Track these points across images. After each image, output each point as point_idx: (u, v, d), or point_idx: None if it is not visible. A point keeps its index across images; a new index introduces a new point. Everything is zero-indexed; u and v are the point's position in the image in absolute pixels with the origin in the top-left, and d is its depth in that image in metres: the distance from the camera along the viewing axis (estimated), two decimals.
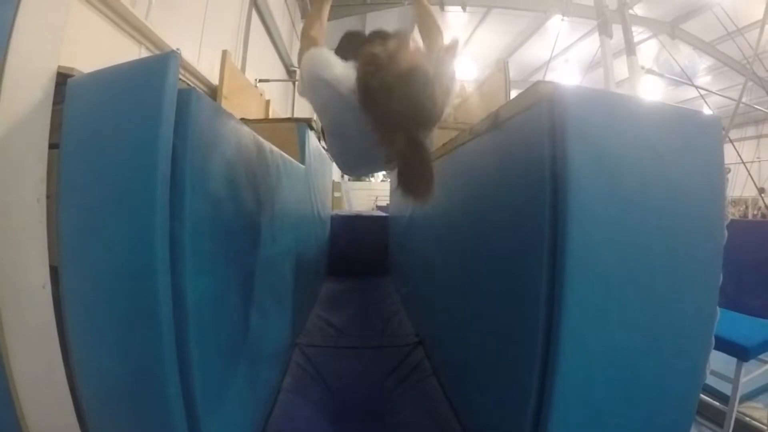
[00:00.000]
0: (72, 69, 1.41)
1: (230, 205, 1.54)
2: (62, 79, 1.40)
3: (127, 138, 1.16)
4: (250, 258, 1.79)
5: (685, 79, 6.53)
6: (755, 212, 13.24)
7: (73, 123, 1.29)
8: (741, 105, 6.47)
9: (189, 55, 3.58)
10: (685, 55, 9.84)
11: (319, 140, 4.13)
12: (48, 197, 1.38)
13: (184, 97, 1.17)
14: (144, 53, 2.74)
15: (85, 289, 1.27)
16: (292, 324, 2.82)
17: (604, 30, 4.77)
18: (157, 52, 2.94)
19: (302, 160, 3.36)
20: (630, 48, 4.70)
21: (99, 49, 2.20)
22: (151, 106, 1.12)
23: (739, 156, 5.68)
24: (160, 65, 1.15)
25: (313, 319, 3.52)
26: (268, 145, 2.10)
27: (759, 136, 14.96)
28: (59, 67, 1.42)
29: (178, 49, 3.06)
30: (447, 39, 1.53)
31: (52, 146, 1.37)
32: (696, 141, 1.35)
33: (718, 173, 1.37)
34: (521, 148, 1.40)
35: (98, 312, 1.25)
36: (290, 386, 2.41)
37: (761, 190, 12.17)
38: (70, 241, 1.28)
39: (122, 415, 1.32)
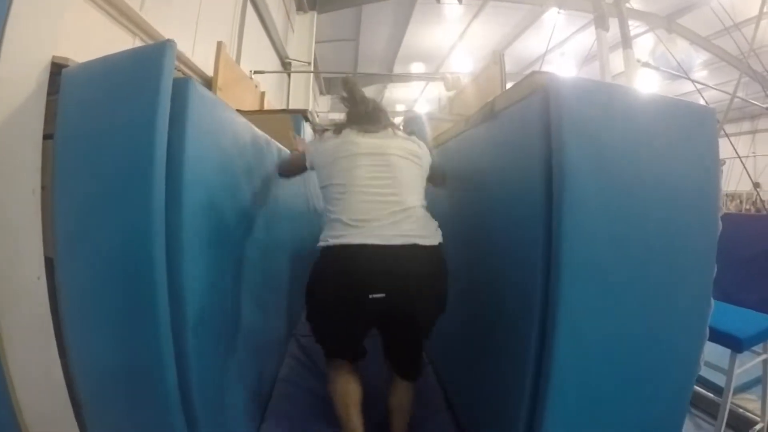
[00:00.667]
0: (67, 59, 1.39)
1: (227, 197, 1.53)
2: (57, 69, 1.39)
3: (123, 128, 1.15)
4: (247, 249, 1.79)
5: (680, 72, 6.51)
6: (748, 207, 13.29)
7: (67, 113, 1.29)
8: (736, 100, 6.47)
9: (183, 46, 3.54)
10: (681, 49, 9.81)
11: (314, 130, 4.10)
12: (43, 188, 1.37)
13: (181, 86, 1.16)
14: (138, 44, 2.71)
15: (81, 281, 1.27)
16: (289, 315, 2.83)
17: (600, 23, 4.74)
18: (152, 43, 2.91)
19: None
20: (626, 41, 4.68)
21: (94, 40, 2.17)
22: (147, 96, 1.11)
23: (735, 150, 5.66)
24: (156, 54, 1.14)
25: None
26: (264, 136, 2.09)
27: (754, 131, 14.99)
28: (54, 57, 1.41)
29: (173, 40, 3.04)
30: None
31: (47, 137, 1.36)
32: (691, 132, 1.35)
33: (713, 165, 1.37)
34: (516, 138, 1.40)
35: (94, 304, 1.25)
36: (287, 376, 2.42)
37: (756, 185, 12.23)
38: (65, 233, 1.27)
39: (118, 406, 1.32)
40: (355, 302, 1.45)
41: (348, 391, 1.64)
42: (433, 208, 1.64)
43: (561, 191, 1.13)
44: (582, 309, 1.17)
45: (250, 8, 5.57)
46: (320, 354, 2.62)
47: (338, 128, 1.67)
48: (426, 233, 1.51)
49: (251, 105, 4.66)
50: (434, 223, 1.60)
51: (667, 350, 1.32)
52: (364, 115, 1.68)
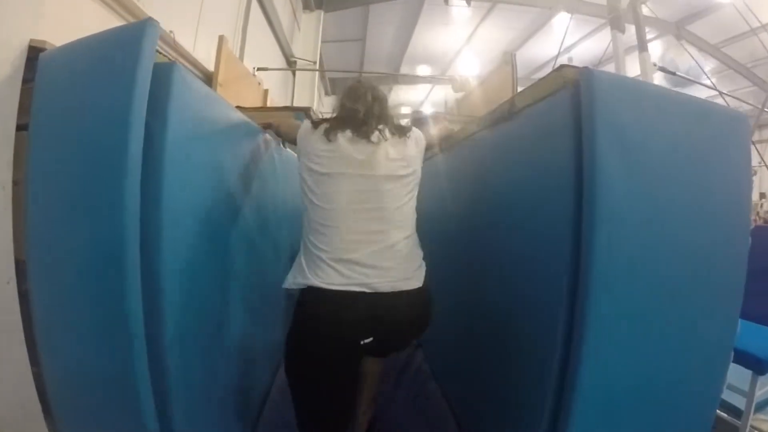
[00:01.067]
0: (44, 42, 1.27)
1: (217, 195, 1.41)
2: (35, 54, 1.26)
3: (97, 118, 1.01)
4: (239, 252, 1.67)
5: (698, 79, 6.37)
6: (755, 218, 13.20)
7: (43, 102, 1.16)
8: (747, 107, 6.35)
9: (185, 41, 3.44)
10: (689, 56, 9.75)
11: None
12: (15, 183, 1.25)
13: (164, 71, 1.03)
14: None
15: (54, 286, 1.15)
16: (285, 322, 2.71)
17: (616, 25, 4.57)
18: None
19: None
20: (642, 44, 4.52)
21: (86, 28, 2.07)
22: (123, 82, 0.98)
23: (763, 159, 5.44)
24: (135, 35, 1.00)
25: None
26: (263, 133, 1.98)
27: (761, 141, 14.90)
28: (31, 40, 1.29)
29: (171, 31, 2.93)
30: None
31: (21, 128, 1.24)
32: (724, 138, 1.25)
33: (744, 174, 1.27)
34: (541, 139, 1.27)
35: (68, 311, 1.13)
36: (282, 387, 2.29)
37: (762, 195, 12.12)
38: (38, 233, 1.15)
39: (91, 416, 1.21)
40: (347, 349, 1.43)
41: None
42: (437, 213, 1.51)
43: (593, 198, 1.01)
44: (609, 322, 1.07)
45: (255, 4, 5.47)
46: None
47: (329, 130, 1.52)
48: (409, 274, 1.48)
49: (253, 102, 4.55)
50: (418, 258, 1.55)
51: (692, 373, 1.22)
52: (362, 118, 1.54)
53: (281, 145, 2.38)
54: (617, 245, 1.04)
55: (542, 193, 1.24)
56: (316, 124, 1.57)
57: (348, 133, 1.50)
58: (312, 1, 8.56)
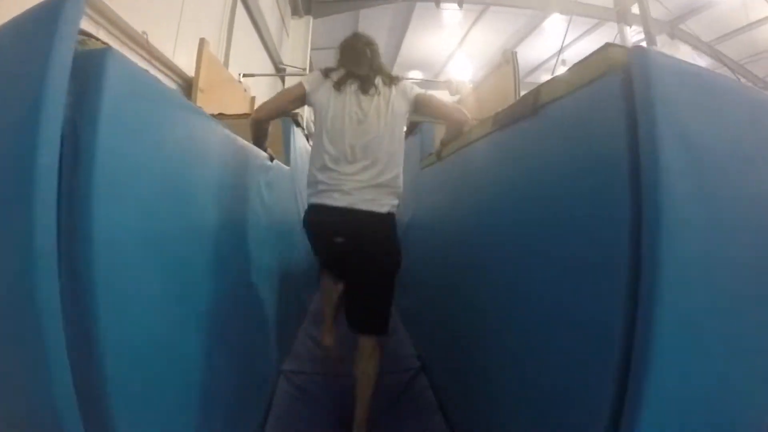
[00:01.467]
0: None
1: (183, 214, 1.17)
2: None
3: (9, 116, 0.76)
4: (214, 279, 1.42)
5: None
6: None
7: None
8: None
9: (164, 46, 3.22)
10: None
11: (308, 139, 3.79)
12: None
13: (94, 59, 0.78)
14: (103, 36, 2.36)
15: None
16: (276, 348, 2.46)
17: (623, 18, 4.41)
18: (123, 37, 2.58)
19: (287, 161, 3.01)
20: (650, 39, 4.35)
21: None
22: (34, 73, 0.73)
23: None
24: (50, 11, 0.76)
25: (302, 338, 3.16)
26: (242, 142, 1.75)
27: None
28: None
29: (144, 32, 2.71)
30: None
31: None
32: None
33: None
34: (577, 137, 1.04)
35: None
36: (273, 428, 2.05)
37: None
38: None
39: None
40: (326, 243, 1.91)
41: (331, 283, 2.42)
42: (445, 221, 1.29)
43: (657, 213, 0.79)
44: (674, 357, 0.84)
45: (240, 8, 5.26)
46: (313, 396, 2.31)
47: (339, 83, 1.85)
48: (382, 203, 1.84)
49: (239, 109, 4.32)
50: (392, 196, 1.88)
51: (748, 396, 1.00)
52: (365, 74, 1.86)
53: (269, 159, 2.23)
54: (684, 261, 0.82)
55: (579, 201, 1.01)
56: (326, 72, 1.91)
57: (354, 86, 1.84)
58: (300, 6, 8.40)
